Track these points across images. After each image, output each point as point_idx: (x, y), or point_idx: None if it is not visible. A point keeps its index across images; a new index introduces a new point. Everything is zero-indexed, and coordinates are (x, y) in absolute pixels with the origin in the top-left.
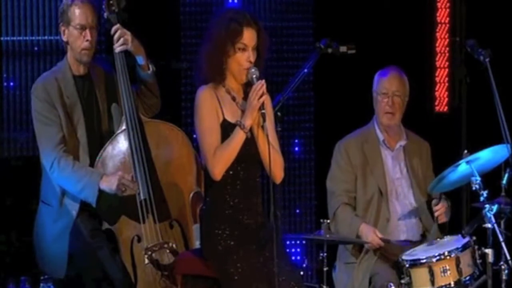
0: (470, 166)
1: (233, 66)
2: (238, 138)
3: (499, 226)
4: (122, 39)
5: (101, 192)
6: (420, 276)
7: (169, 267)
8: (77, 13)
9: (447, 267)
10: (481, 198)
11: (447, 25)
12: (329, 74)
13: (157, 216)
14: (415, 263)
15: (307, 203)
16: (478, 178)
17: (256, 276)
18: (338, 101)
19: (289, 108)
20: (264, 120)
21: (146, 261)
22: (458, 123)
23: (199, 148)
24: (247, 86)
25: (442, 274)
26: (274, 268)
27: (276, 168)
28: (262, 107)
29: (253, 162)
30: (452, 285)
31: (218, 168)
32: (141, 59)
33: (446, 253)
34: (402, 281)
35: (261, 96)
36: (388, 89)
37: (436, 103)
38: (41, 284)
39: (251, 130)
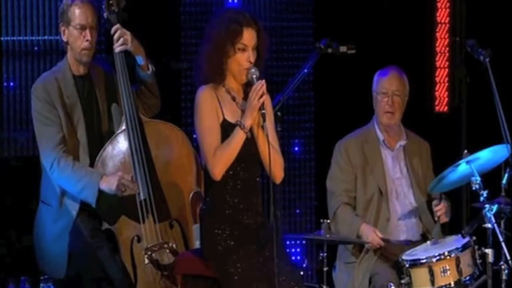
0: (470, 166)
1: (233, 66)
2: (238, 138)
3: (499, 226)
4: (122, 39)
5: (101, 192)
6: (420, 276)
7: (169, 267)
8: (77, 13)
9: (447, 267)
10: (481, 198)
11: (447, 25)
12: (329, 74)
13: (157, 216)
14: (415, 263)
15: (307, 203)
16: (478, 178)
17: (256, 276)
18: (338, 101)
19: (289, 108)
20: (264, 120)
21: (146, 261)
22: (458, 123)
23: (199, 148)
24: (247, 86)
25: (442, 274)
26: (274, 268)
27: (276, 168)
28: (262, 107)
29: (253, 162)
30: (452, 285)
31: (218, 168)
32: (140, 59)
33: (446, 253)
34: (402, 281)
35: (261, 96)
36: (388, 88)
37: (436, 103)
38: (41, 284)
39: (251, 130)
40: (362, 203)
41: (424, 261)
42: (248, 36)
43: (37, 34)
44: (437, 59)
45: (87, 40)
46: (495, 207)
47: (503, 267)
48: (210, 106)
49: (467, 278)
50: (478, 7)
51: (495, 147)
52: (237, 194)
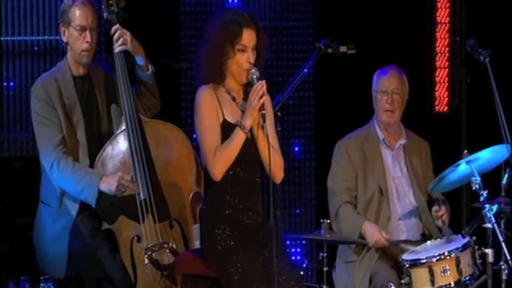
0: (470, 166)
1: (233, 67)
2: (238, 138)
3: (499, 226)
4: (121, 39)
5: (101, 192)
6: (420, 276)
7: (169, 267)
8: (78, 14)
9: (447, 267)
10: (481, 198)
11: (447, 25)
12: (329, 74)
13: (157, 216)
14: (415, 263)
15: (307, 203)
16: (478, 178)
17: (256, 276)
18: (338, 101)
19: (289, 108)
20: (264, 121)
21: (146, 261)
22: (458, 123)
23: (199, 148)
24: (247, 86)
25: (442, 274)
26: (274, 268)
27: (276, 168)
28: (262, 107)
29: (253, 162)
30: (452, 285)
31: (218, 168)
32: (140, 60)
33: (446, 253)
34: (402, 281)
35: (261, 97)
36: (388, 87)
37: (436, 103)
38: (41, 284)
39: (251, 130)
40: (363, 202)
41: (424, 261)
42: (248, 37)
43: (37, 34)
44: (437, 59)
45: (87, 42)
46: (495, 207)
47: (503, 267)
48: (210, 107)
49: (467, 278)
50: (478, 7)
51: (495, 147)
52: (237, 194)
